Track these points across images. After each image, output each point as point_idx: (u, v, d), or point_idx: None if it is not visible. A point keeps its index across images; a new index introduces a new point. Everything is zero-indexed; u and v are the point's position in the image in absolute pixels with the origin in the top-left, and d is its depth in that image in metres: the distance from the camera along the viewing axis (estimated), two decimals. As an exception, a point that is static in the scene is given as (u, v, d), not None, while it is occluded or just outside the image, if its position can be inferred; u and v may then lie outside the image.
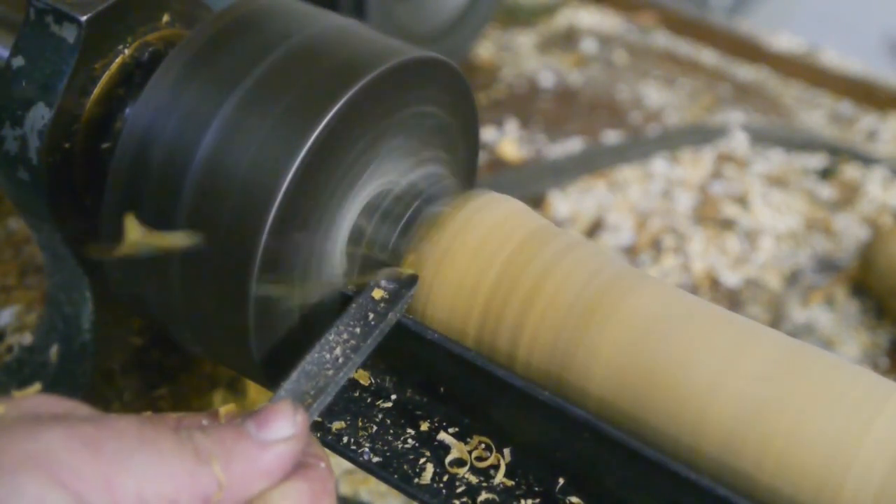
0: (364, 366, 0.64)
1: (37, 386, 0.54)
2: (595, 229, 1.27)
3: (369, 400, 0.66)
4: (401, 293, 0.65)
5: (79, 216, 0.71)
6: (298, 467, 0.53)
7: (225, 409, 0.54)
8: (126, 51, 0.70)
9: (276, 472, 0.52)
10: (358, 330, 0.62)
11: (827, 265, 1.25)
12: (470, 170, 0.77)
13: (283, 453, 0.52)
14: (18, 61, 0.69)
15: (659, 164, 1.39)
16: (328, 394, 0.59)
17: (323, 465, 0.55)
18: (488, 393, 0.63)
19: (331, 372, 0.60)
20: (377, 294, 0.64)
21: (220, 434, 0.51)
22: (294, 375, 0.59)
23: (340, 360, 0.61)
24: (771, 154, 1.43)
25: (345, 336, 0.62)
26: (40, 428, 0.47)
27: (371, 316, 0.63)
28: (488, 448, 0.63)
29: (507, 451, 0.63)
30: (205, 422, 0.53)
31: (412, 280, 0.65)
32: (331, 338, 0.62)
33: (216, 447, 0.50)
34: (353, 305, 0.64)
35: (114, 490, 0.46)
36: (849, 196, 1.37)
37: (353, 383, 0.66)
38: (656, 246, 1.25)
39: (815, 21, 2.27)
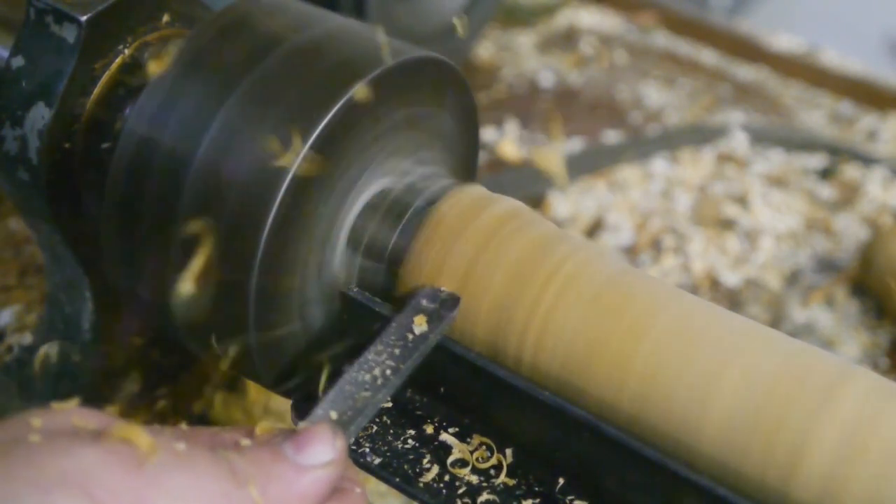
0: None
1: (75, 399, 0.53)
2: (595, 229, 1.27)
3: (369, 400, 0.66)
4: (442, 314, 0.63)
5: (79, 216, 0.71)
6: (334, 492, 0.52)
7: (261, 428, 0.53)
8: (126, 51, 0.70)
9: (312, 497, 0.51)
10: (397, 351, 0.61)
11: (827, 265, 1.25)
12: (470, 170, 0.77)
13: (322, 478, 0.51)
14: (18, 61, 0.69)
15: (659, 164, 1.39)
16: (366, 416, 0.57)
17: (358, 490, 0.54)
18: (489, 393, 0.63)
19: (368, 393, 0.58)
20: (418, 314, 0.63)
21: (257, 455, 0.50)
22: (331, 395, 0.57)
23: (379, 382, 0.59)
24: (771, 154, 1.43)
25: (384, 357, 0.60)
26: (76, 444, 0.47)
27: (411, 336, 0.62)
28: (489, 448, 0.63)
29: (507, 451, 0.63)
30: (243, 441, 0.52)
31: (454, 300, 0.64)
32: (370, 357, 0.60)
33: (253, 469, 0.49)
34: (393, 324, 0.62)
35: None
36: (849, 196, 1.37)
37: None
38: (656, 246, 1.25)
39: (815, 21, 2.27)
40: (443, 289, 0.65)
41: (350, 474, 0.55)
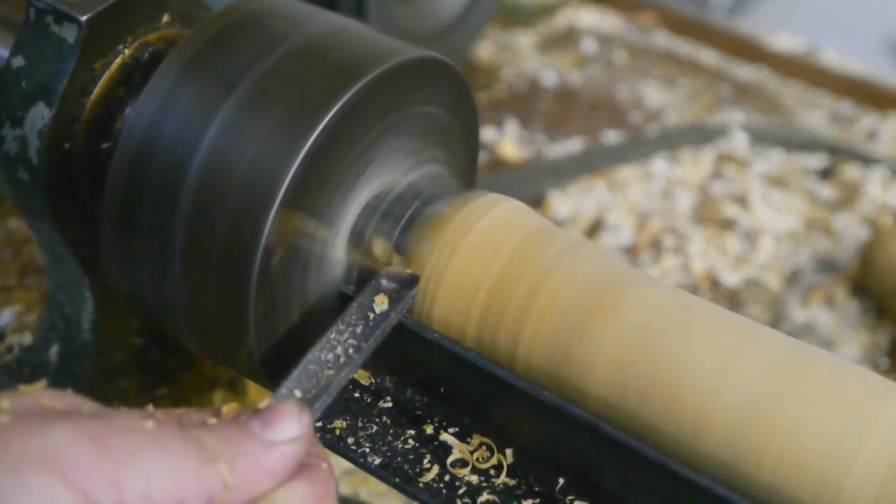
0: (364, 366, 0.64)
1: (42, 381, 0.53)
2: (595, 229, 1.27)
3: (369, 400, 0.66)
4: (402, 293, 0.64)
5: (79, 216, 0.71)
6: (301, 468, 0.53)
7: (227, 408, 0.54)
8: (126, 51, 0.70)
9: (280, 472, 0.52)
10: (359, 329, 0.62)
11: (827, 265, 1.25)
12: (470, 170, 0.77)
13: (289, 454, 0.52)
14: (18, 61, 0.69)
15: (659, 164, 1.39)
16: (330, 394, 0.59)
17: (325, 465, 0.55)
18: (488, 393, 0.63)
19: (332, 371, 0.59)
20: (378, 293, 0.64)
21: (225, 433, 0.51)
22: (295, 374, 0.59)
23: (342, 360, 0.60)
24: (771, 154, 1.43)
25: (346, 335, 0.62)
26: (47, 424, 0.47)
27: (372, 315, 0.63)
28: (489, 448, 0.63)
29: (507, 451, 0.63)
30: (209, 419, 0.53)
31: (413, 280, 0.65)
32: (332, 336, 0.61)
33: (222, 446, 0.50)
34: (354, 304, 0.63)
35: (120, 488, 0.46)
36: (849, 196, 1.37)
37: (353, 383, 0.66)
38: (656, 246, 1.25)
39: (815, 21, 2.27)
40: (402, 269, 0.66)
41: (317, 450, 0.56)
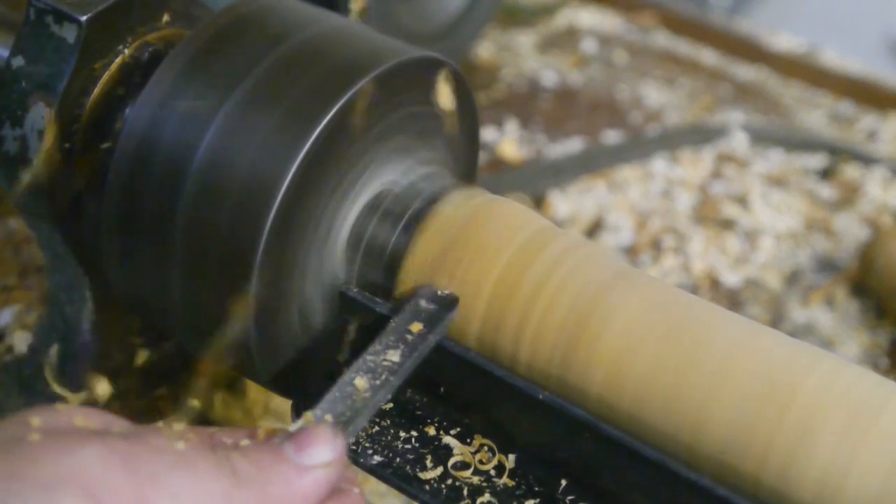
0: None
1: (79, 397, 0.53)
2: (595, 229, 1.27)
3: (369, 400, 0.66)
4: (440, 314, 0.63)
5: (79, 216, 0.71)
6: (333, 492, 0.53)
7: (264, 430, 0.53)
8: (126, 51, 0.70)
9: (312, 497, 0.51)
10: (396, 351, 0.60)
11: (827, 265, 1.25)
12: (470, 170, 0.77)
13: (322, 479, 0.51)
14: (18, 61, 0.69)
15: (659, 164, 1.39)
16: (364, 416, 0.57)
17: (356, 490, 0.54)
18: (488, 393, 0.63)
19: (367, 394, 0.57)
20: (416, 315, 0.62)
21: (258, 455, 0.50)
22: (330, 396, 0.57)
23: (378, 382, 0.58)
24: (771, 154, 1.43)
25: (382, 357, 0.60)
26: (78, 443, 0.47)
27: (410, 337, 0.61)
28: (490, 449, 0.63)
29: (508, 452, 0.63)
30: (243, 441, 0.52)
31: (452, 301, 0.64)
32: (368, 358, 0.60)
33: (253, 469, 0.50)
34: (392, 324, 0.62)
35: None
36: (849, 196, 1.37)
37: (354, 383, 0.66)
38: (656, 246, 1.25)
39: (815, 21, 2.27)
40: (441, 289, 0.64)
41: (348, 475, 0.55)
